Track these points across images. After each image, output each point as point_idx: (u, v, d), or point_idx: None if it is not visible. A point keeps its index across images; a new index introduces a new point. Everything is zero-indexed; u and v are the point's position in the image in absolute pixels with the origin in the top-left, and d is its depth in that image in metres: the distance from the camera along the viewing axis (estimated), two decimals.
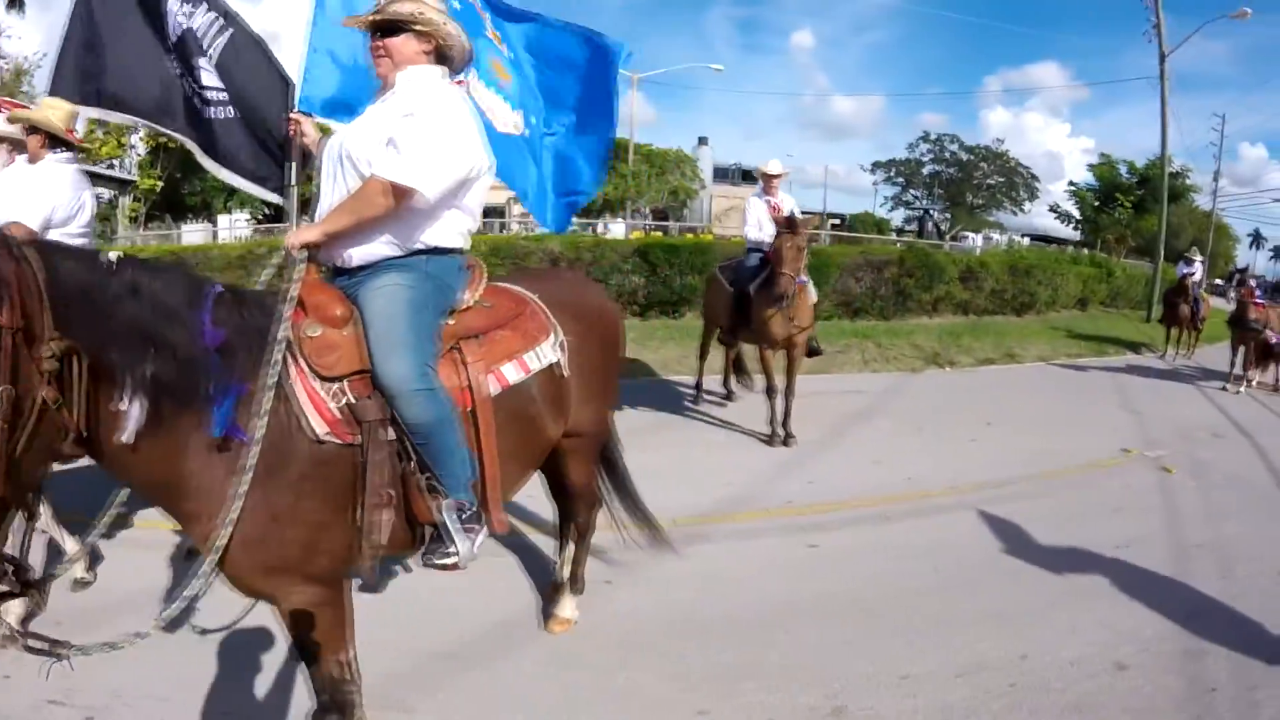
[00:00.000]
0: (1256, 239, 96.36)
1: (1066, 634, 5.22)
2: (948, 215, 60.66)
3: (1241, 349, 15.05)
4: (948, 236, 44.61)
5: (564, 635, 4.23)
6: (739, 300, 8.67)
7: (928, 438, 9.45)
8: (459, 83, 3.33)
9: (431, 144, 2.81)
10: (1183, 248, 56.33)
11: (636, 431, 9.11)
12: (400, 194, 2.78)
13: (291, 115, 4.18)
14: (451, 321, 3.09)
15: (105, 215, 28.86)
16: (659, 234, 27.79)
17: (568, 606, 4.26)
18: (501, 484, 3.14)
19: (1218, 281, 59.66)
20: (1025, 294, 21.27)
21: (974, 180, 62.26)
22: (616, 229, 36.69)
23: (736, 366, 10.77)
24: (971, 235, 49.87)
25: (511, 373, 3.20)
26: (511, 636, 4.23)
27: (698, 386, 10.79)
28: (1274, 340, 15.29)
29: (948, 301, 19.61)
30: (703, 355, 10.63)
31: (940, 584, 5.82)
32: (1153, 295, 23.22)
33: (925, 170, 64.39)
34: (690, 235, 28.30)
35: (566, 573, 4.32)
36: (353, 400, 2.67)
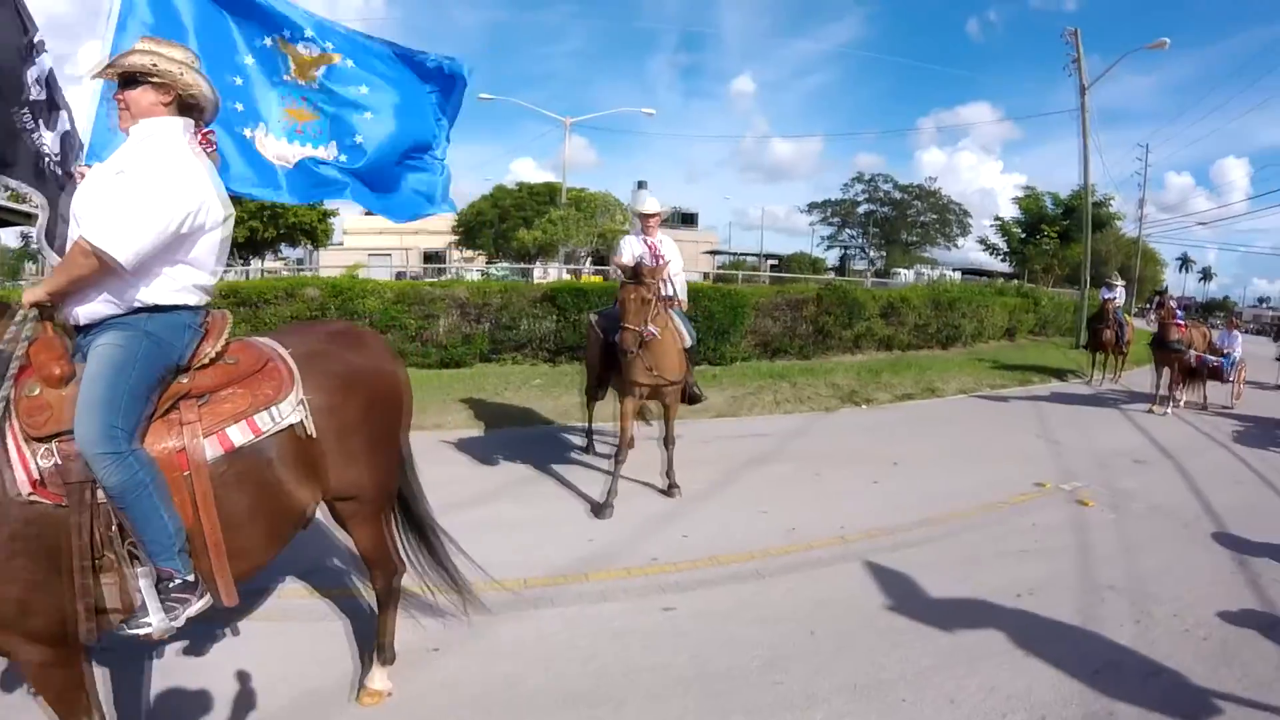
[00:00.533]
0: (1184, 262, 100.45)
1: (943, 706, 4.60)
2: (883, 253, 61.66)
3: (1165, 370, 14.89)
4: (868, 275, 44.88)
5: (373, 709, 3.98)
6: (608, 349, 7.97)
7: (826, 482, 8.97)
8: (205, 135, 3.30)
9: (130, 205, 2.85)
10: (1109, 274, 58.73)
11: (514, 483, 8.41)
12: (99, 256, 2.79)
13: (77, 169, 4.09)
14: (184, 380, 3.09)
15: None
16: (570, 278, 27.23)
17: (378, 678, 4.05)
18: (235, 553, 3.08)
19: (1146, 305, 61.14)
20: (950, 327, 21.08)
21: (908, 218, 63.84)
22: (556, 273, 36.60)
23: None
24: (904, 271, 50.66)
25: (238, 434, 3.11)
26: (321, 709, 4.00)
27: (588, 434, 10.07)
28: (1195, 360, 15.17)
29: (869, 338, 19.26)
30: (589, 403, 9.92)
31: (808, 650, 5.17)
32: (1080, 322, 23.24)
33: (860, 209, 65.82)
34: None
35: (380, 639, 4.18)
36: (59, 462, 2.70)
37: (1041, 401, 15.61)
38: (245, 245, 38.02)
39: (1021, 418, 13.86)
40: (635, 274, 7.39)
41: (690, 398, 8.57)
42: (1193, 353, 15.02)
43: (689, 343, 8.20)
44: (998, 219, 40.17)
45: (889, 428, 12.64)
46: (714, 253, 65.59)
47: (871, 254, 63.56)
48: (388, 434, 3.85)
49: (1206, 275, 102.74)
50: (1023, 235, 35.21)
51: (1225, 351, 16.19)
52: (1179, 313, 15.23)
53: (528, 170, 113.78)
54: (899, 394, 15.42)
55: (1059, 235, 33.04)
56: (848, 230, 66.17)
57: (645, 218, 8.74)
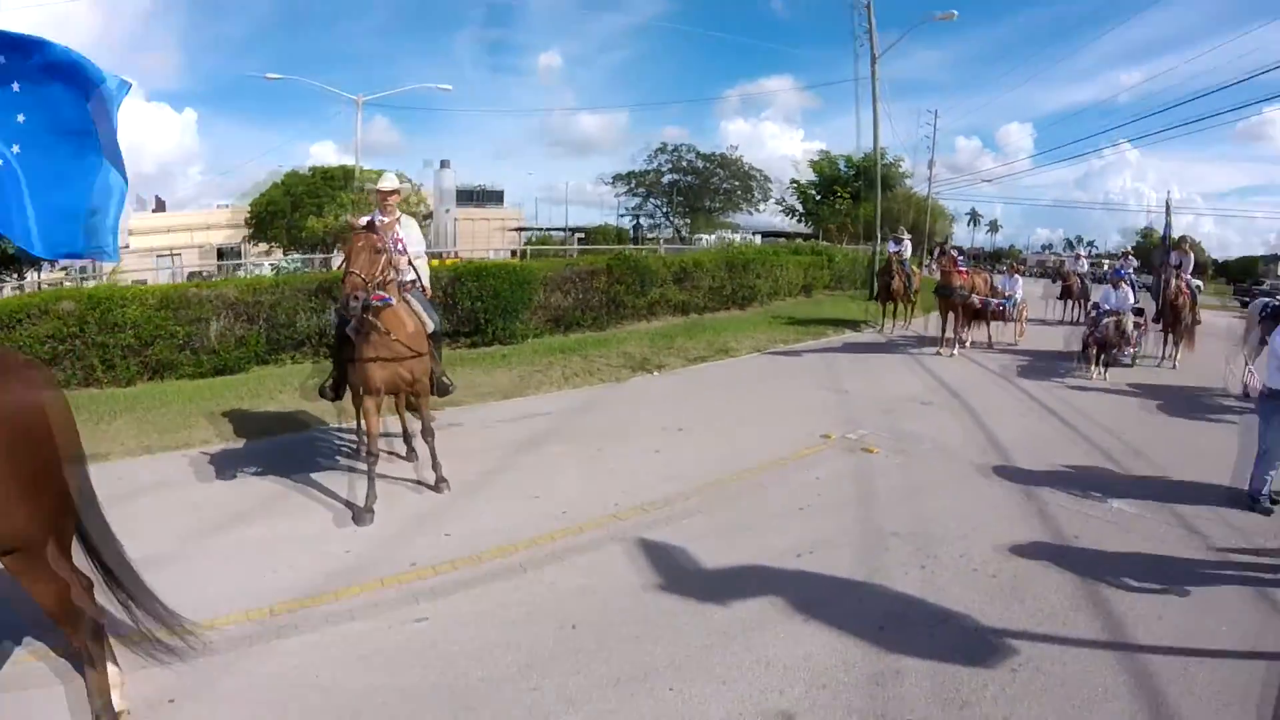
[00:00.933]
0: (973, 217, 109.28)
1: (716, 688, 4.14)
2: (688, 220, 62.44)
3: (950, 315, 15.37)
4: (660, 242, 45.14)
5: None
6: (345, 340, 6.89)
7: (605, 458, 8.51)
8: None
9: None
10: (897, 230, 62.74)
11: (273, 498, 7.25)
12: None
13: None
14: None
15: None
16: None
17: None
18: None
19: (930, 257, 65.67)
20: (745, 288, 21.42)
21: (710, 186, 64.61)
22: None
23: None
24: (706, 237, 51.45)
25: None
26: None
27: (360, 435, 8.84)
28: (979, 303, 15.71)
29: (664, 305, 19.14)
30: (356, 401, 8.63)
31: (569, 648, 4.58)
32: (872, 276, 23.97)
33: (664, 180, 65.90)
34: (435, 260, 26.26)
35: (92, 705, 3.73)
36: None
37: (833, 353, 15.91)
38: (11, 260, 32.64)
39: (812, 371, 13.94)
40: (369, 226, 6.46)
41: (439, 388, 7.60)
42: (975, 297, 15.58)
43: (431, 327, 7.25)
44: (794, 182, 41.70)
45: (679, 393, 12.26)
46: (520, 229, 64.04)
47: (676, 222, 64.17)
48: (43, 473, 3.47)
49: (994, 227, 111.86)
50: (818, 197, 36.38)
51: (1007, 294, 17.05)
52: (960, 260, 15.74)
53: (328, 154, 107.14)
54: (692, 357, 15.06)
55: (851, 195, 34.38)
56: (652, 200, 66.41)
57: (382, 195, 7.64)
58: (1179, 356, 15.02)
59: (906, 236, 19.74)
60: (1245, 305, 43.20)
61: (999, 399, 11.56)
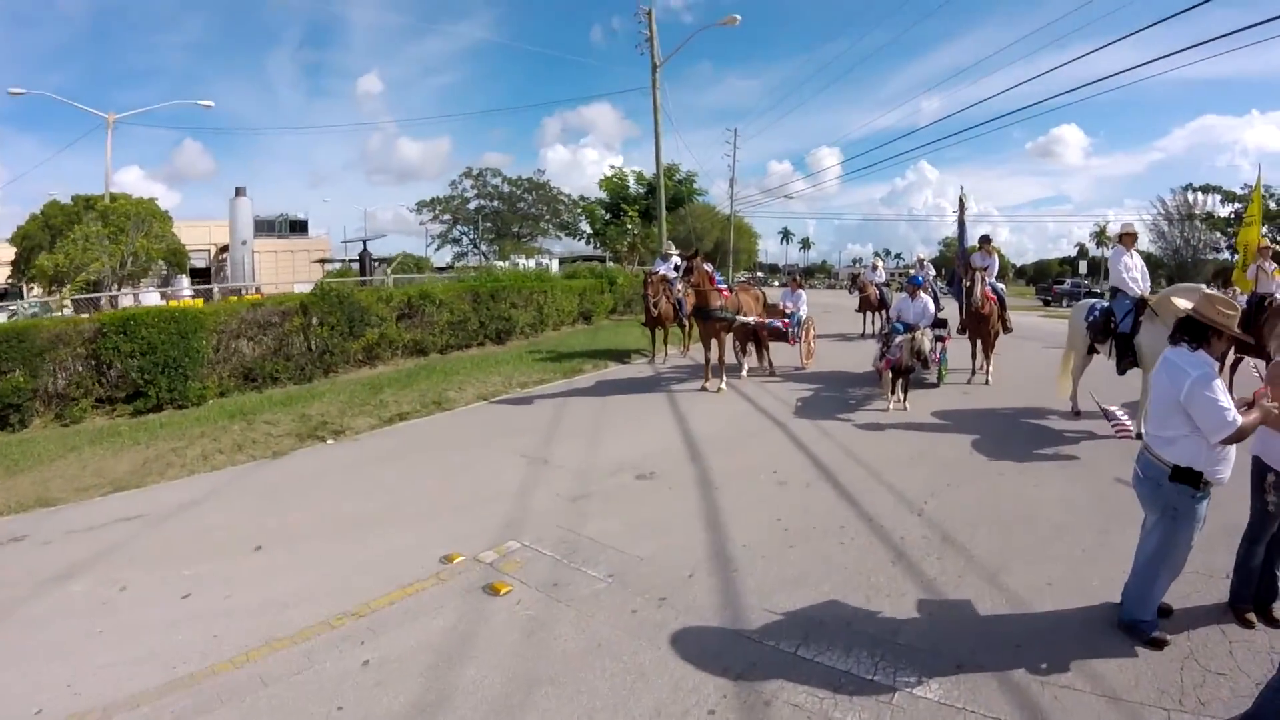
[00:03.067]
0: (785, 234, 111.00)
1: None
2: (495, 247, 58.54)
3: (714, 341, 11.91)
4: (388, 273, 40.86)
5: None
6: None
7: (120, 605, 5.34)
8: None
9: None
10: (706, 249, 61.31)
11: None
12: None
13: None
14: None
15: None
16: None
17: None
18: None
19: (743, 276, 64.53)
20: (499, 320, 18.08)
21: (518, 211, 61.18)
22: (150, 299, 27.76)
23: None
24: (499, 264, 47.59)
25: None
26: None
27: None
28: (751, 322, 12.39)
29: (390, 347, 15.59)
30: None
31: None
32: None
33: (471, 205, 62.02)
34: (233, 297, 21.08)
35: None
36: None
37: (578, 396, 12.17)
38: None
39: (530, 427, 10.11)
40: None
41: None
42: (743, 317, 12.21)
43: None
44: (582, 198, 38.25)
45: (323, 475, 8.47)
46: (323, 260, 58.05)
47: (484, 248, 60.13)
48: None
49: (806, 244, 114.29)
50: (607, 217, 32.88)
51: (788, 311, 13.79)
52: (718, 277, 12.32)
53: (133, 181, 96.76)
54: (389, 416, 11.17)
55: (641, 214, 31.05)
56: (459, 227, 62.08)
57: None
58: (991, 369, 12.41)
59: (675, 253, 16.19)
60: (1048, 304, 44.98)
61: (754, 458, 8.09)
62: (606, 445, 8.83)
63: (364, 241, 41.15)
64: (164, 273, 47.24)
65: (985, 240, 12.91)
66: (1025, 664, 4.05)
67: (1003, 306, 12.47)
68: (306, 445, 9.78)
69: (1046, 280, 57.73)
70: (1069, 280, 48.95)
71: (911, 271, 17.82)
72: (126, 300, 28.60)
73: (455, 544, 5.85)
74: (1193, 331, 4.07)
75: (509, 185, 62.18)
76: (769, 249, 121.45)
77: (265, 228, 56.28)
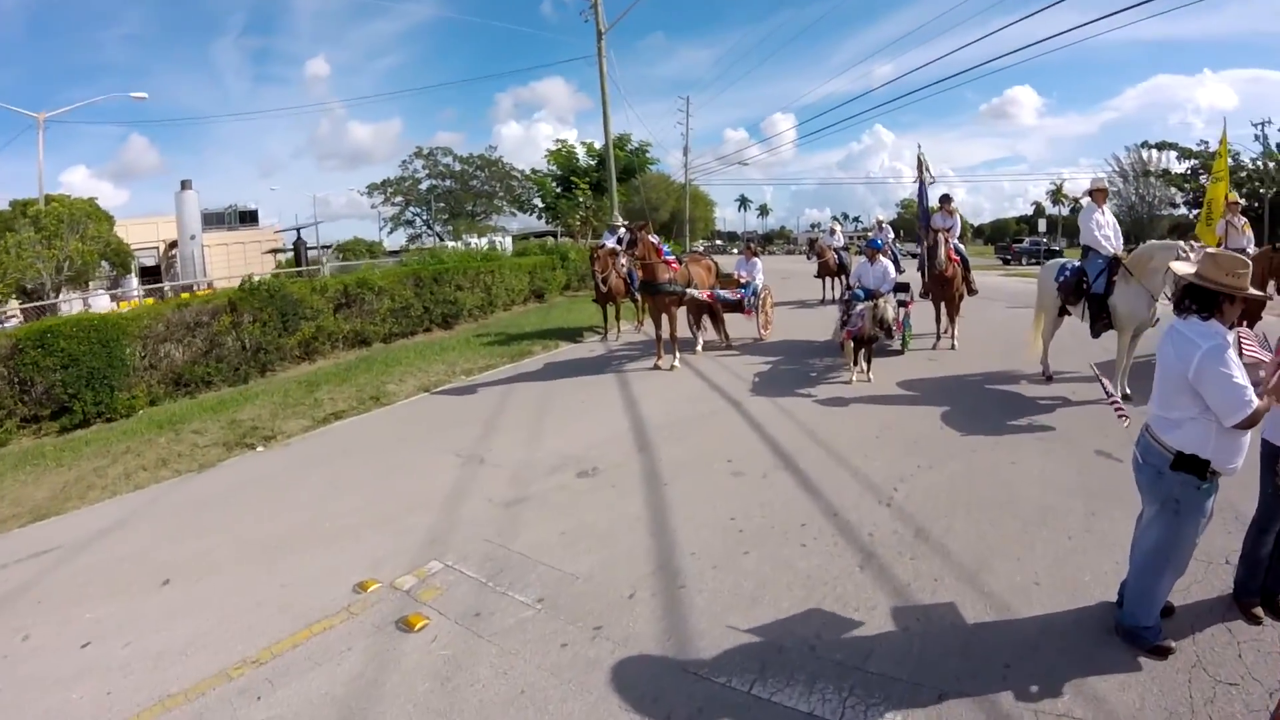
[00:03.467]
0: (743, 202, 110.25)
1: None
2: (449, 228, 57.20)
3: (664, 316, 11.21)
4: (324, 262, 39.61)
5: None
6: None
7: (18, 660, 4.60)
8: None
9: None
10: (663, 219, 60.63)
11: None
12: None
13: None
14: None
15: None
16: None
17: None
18: None
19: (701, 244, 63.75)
20: (444, 304, 17.11)
21: (471, 189, 59.84)
22: (100, 302, 27.73)
23: None
24: (451, 243, 46.40)
25: None
26: None
27: None
28: (702, 297, 11.74)
29: (329, 339, 14.66)
30: None
31: None
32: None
33: (423, 186, 60.52)
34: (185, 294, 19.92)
35: None
36: None
37: (524, 382, 11.40)
38: None
39: (471, 417, 9.41)
40: None
41: None
42: (693, 291, 11.55)
43: None
44: (533, 171, 37.03)
45: (249, 486, 7.74)
46: (275, 250, 56.32)
47: (438, 229, 58.71)
48: None
49: (764, 211, 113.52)
50: (558, 190, 31.68)
51: (744, 280, 13.14)
52: (665, 249, 11.59)
53: (79, 180, 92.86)
54: (322, 416, 10.35)
55: (592, 186, 29.90)
56: (412, 208, 60.54)
57: None
58: (956, 334, 11.87)
59: (623, 224, 15.39)
60: (1008, 262, 44.73)
61: (708, 445, 7.47)
62: (549, 437, 8.14)
63: (298, 230, 39.70)
64: (110, 274, 45.40)
65: (946, 200, 12.34)
66: (1015, 687, 3.49)
67: (966, 268, 11.90)
68: (235, 454, 9.04)
69: (1005, 239, 57.64)
70: (1028, 239, 48.68)
71: (870, 235, 17.23)
72: (76, 306, 27.17)
73: (373, 567, 5.16)
74: (1201, 299, 3.47)
75: (460, 164, 60.78)
76: (727, 217, 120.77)
77: (214, 220, 54.76)
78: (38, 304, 31.30)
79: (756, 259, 13.79)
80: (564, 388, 10.70)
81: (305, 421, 10.16)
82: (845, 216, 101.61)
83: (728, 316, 13.33)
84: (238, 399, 11.73)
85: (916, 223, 13.74)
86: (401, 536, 5.72)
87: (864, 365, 9.81)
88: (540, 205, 31.80)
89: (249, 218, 60.05)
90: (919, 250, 13.49)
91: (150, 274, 47.97)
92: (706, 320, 13.05)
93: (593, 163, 30.19)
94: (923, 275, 12.27)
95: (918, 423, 7.75)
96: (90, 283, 38.36)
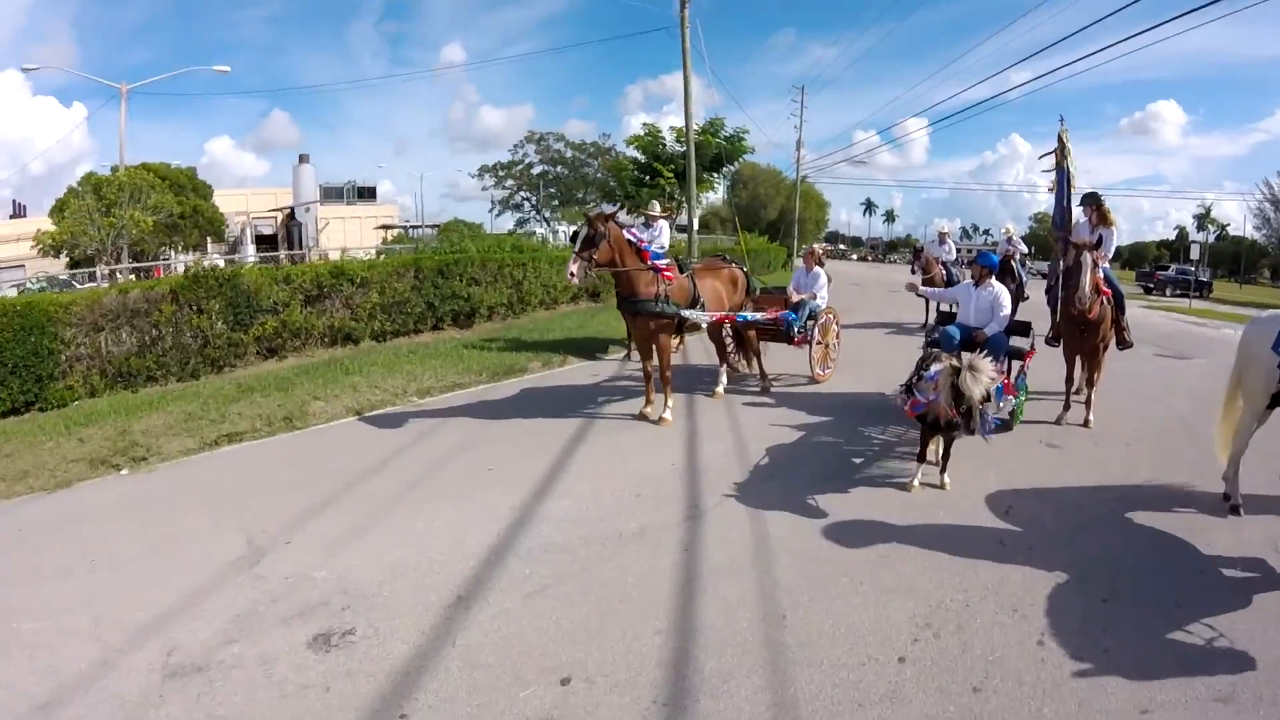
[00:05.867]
0: (868, 206, 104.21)
1: None
2: (558, 213, 55.22)
3: (653, 346, 8.04)
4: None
5: None
6: None
7: None
8: None
9: None
10: (770, 217, 56.18)
11: None
12: None
13: None
14: None
15: None
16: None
17: None
18: None
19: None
20: (455, 299, 14.24)
21: (584, 176, 57.61)
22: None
23: None
24: (540, 231, 44.12)
25: None
26: None
27: None
28: (702, 320, 8.32)
29: (297, 335, 12.26)
30: None
31: None
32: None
33: (535, 170, 58.92)
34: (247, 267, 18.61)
35: None
36: None
37: (468, 417, 8.18)
38: None
39: (342, 469, 6.50)
40: None
41: None
42: (692, 314, 8.07)
43: None
44: (613, 163, 33.53)
45: (41, 530, 5.64)
46: (385, 227, 56.37)
47: (546, 214, 56.82)
48: None
49: (890, 217, 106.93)
50: (639, 176, 28.17)
51: (794, 300, 9.56)
52: (651, 249, 7.93)
53: (223, 150, 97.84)
54: (218, 435, 7.92)
55: (676, 174, 26.11)
56: (522, 193, 58.82)
57: None
58: (1093, 404, 7.84)
59: (661, 214, 11.86)
60: (1149, 291, 38.31)
61: (613, 608, 4.12)
62: (371, 535, 5.10)
63: (291, 209, 37.64)
64: (234, 237, 45.93)
65: (1094, 202, 8.20)
66: None
67: (1119, 308, 7.91)
68: (97, 474, 7.03)
69: (1145, 265, 50.49)
70: (1174, 266, 41.94)
71: (992, 247, 13.05)
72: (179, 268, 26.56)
73: None
74: None
75: (573, 150, 58.85)
76: (852, 221, 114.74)
77: (333, 194, 55.60)
78: (143, 265, 31.10)
79: (820, 269, 9.99)
80: (497, 434, 7.48)
81: (191, 442, 7.77)
82: (975, 229, 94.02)
83: (773, 346, 9.80)
84: (157, 400, 9.59)
85: (1049, 231, 9.20)
86: None
87: (938, 463, 6.02)
88: (620, 194, 28.46)
89: (367, 194, 60.56)
90: (1052, 272, 9.38)
91: (267, 241, 48.94)
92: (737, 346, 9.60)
93: (681, 149, 26.74)
94: (1053, 312, 8.30)
95: (1023, 612, 4.08)
96: (193, 248, 38.03)
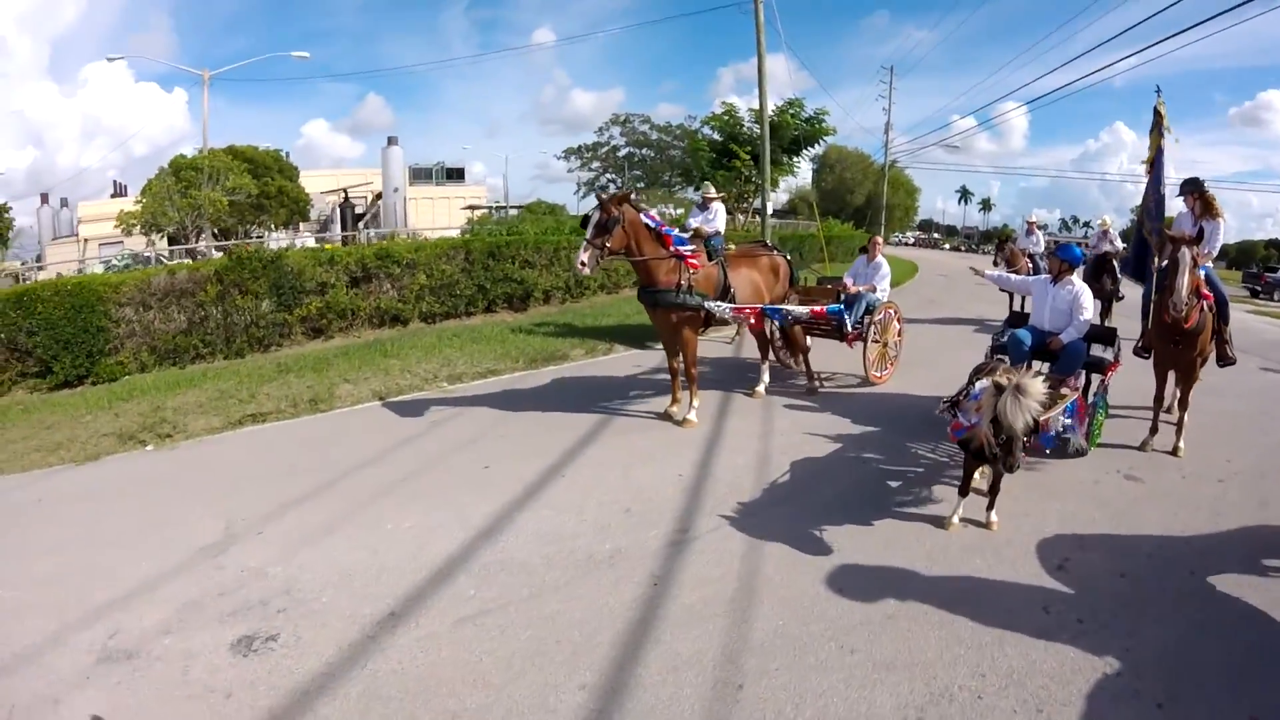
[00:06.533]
0: (964, 194, 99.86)
1: None
2: (644, 196, 54.74)
3: (681, 341, 7.37)
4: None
5: None
6: None
7: None
8: None
9: None
10: (856, 203, 54.18)
11: None
12: None
13: None
14: None
15: None
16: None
17: None
18: None
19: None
20: (507, 282, 13.73)
21: (669, 159, 56.86)
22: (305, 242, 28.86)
23: None
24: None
25: None
26: None
27: None
28: (722, 311, 7.57)
29: (343, 316, 12.13)
30: None
31: None
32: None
33: (620, 153, 58.42)
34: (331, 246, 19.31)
35: None
36: None
37: (491, 407, 7.70)
38: None
39: (348, 456, 6.29)
40: None
41: None
42: (715, 305, 7.20)
43: None
44: (692, 143, 32.45)
45: (52, 506, 5.73)
46: (471, 207, 57.28)
47: (634, 197, 56.54)
48: None
49: (986, 205, 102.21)
50: (715, 157, 27.02)
51: (851, 291, 8.79)
52: (674, 234, 7.09)
53: (319, 133, 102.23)
54: (243, 415, 7.84)
55: (753, 156, 24.87)
56: (607, 175, 58.45)
57: None
58: (1184, 426, 6.64)
59: (716, 196, 11.11)
60: (1256, 294, 34.59)
61: (503, 651, 3.58)
62: (363, 524, 4.86)
63: (344, 191, 37.70)
64: (325, 216, 47.38)
65: (1195, 188, 6.87)
66: None
67: (1222, 318, 6.75)
68: (125, 449, 7.15)
69: (1253, 264, 46.10)
70: None
71: (1076, 241, 11.75)
72: (281, 244, 27.53)
73: None
74: None
75: (658, 133, 58.06)
76: (947, 209, 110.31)
77: (422, 175, 56.10)
78: (229, 242, 32.27)
79: (881, 259, 9.08)
80: (509, 429, 6.98)
81: (217, 421, 7.71)
82: (1075, 220, 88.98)
83: (825, 343, 9.04)
84: (198, 377, 9.71)
85: (1143, 221, 7.48)
86: None
87: (986, 497, 5.03)
88: (696, 175, 27.60)
89: (455, 175, 61.38)
90: (1148, 269, 7.48)
91: (359, 220, 50.36)
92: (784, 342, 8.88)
93: (759, 131, 25.72)
94: (1144, 317, 7.21)
95: (1033, 703, 3.27)
96: (284, 226, 39.19)
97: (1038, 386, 4.30)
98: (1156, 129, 6.95)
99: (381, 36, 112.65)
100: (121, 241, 38.56)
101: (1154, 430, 6.72)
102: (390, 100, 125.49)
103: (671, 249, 6.79)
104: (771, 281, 8.11)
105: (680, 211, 35.62)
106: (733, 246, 8.93)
